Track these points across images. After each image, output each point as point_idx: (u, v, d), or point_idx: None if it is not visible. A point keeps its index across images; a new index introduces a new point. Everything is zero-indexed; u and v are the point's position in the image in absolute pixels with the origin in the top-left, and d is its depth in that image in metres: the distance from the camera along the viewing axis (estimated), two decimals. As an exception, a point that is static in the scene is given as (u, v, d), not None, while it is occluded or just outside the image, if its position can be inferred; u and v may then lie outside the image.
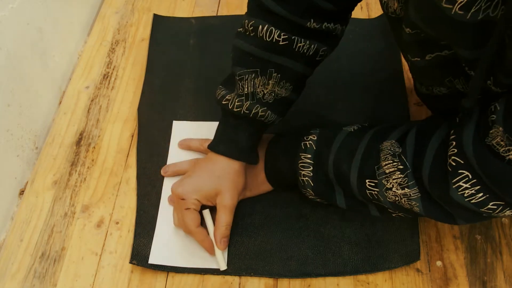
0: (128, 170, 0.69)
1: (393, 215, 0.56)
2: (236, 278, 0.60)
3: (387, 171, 0.50)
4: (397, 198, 0.51)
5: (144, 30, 0.87)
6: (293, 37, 0.54)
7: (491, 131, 0.41)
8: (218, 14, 0.89)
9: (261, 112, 0.57)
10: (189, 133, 0.71)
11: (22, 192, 0.70)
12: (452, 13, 0.38)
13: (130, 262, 0.60)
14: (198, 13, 0.89)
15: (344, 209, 0.58)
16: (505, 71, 0.40)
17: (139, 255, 0.61)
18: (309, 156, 0.57)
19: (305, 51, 0.55)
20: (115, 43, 0.85)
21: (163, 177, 0.68)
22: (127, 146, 0.72)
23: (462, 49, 0.41)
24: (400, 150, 0.50)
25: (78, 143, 0.73)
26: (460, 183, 0.44)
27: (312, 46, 0.55)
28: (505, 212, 0.45)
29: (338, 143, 0.56)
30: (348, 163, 0.54)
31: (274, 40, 0.54)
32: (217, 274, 0.59)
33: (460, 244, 0.61)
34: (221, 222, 0.58)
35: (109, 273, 0.61)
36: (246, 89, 0.57)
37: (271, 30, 0.53)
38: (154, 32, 0.85)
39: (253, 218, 0.64)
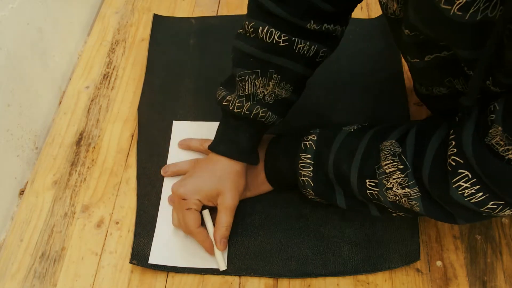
0: (128, 170, 0.69)
1: (394, 214, 0.56)
2: (236, 278, 0.60)
3: (387, 171, 0.50)
4: (397, 198, 0.51)
5: (144, 30, 0.87)
6: (293, 39, 0.54)
7: (490, 131, 0.41)
8: (218, 14, 0.89)
9: (262, 113, 0.57)
10: (189, 133, 0.71)
11: (22, 192, 0.70)
12: (451, 14, 0.38)
13: (130, 262, 0.60)
14: (198, 13, 0.89)
15: (344, 209, 0.58)
16: (504, 71, 0.40)
17: (139, 255, 0.61)
18: (309, 156, 0.57)
19: (305, 52, 0.55)
20: (115, 43, 0.85)
21: (163, 177, 0.68)
22: (127, 146, 0.72)
23: (461, 50, 0.42)
24: (400, 150, 0.50)
25: (78, 143, 0.73)
26: (460, 183, 0.44)
27: (312, 47, 0.55)
28: (505, 211, 0.45)
29: (338, 143, 0.56)
30: (348, 163, 0.54)
31: (274, 42, 0.54)
32: (217, 274, 0.60)
33: (460, 244, 0.62)
34: (222, 222, 0.58)
35: (109, 273, 0.61)
36: (246, 90, 0.57)
37: (271, 32, 0.54)
38: (154, 32, 0.85)
39: (253, 218, 0.64)
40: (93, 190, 0.68)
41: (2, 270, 0.61)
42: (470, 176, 0.44)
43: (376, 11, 0.87)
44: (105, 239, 0.63)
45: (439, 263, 0.60)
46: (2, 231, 0.66)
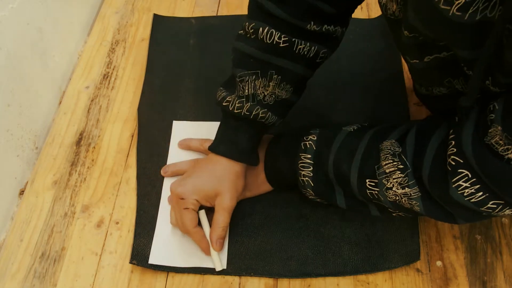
0: (128, 170, 0.69)
1: (394, 214, 0.56)
2: (236, 278, 0.60)
3: (387, 170, 0.50)
4: (397, 198, 0.51)
5: (144, 30, 0.87)
6: (293, 39, 0.54)
7: (490, 130, 0.41)
8: (218, 14, 0.89)
9: (262, 113, 0.57)
10: (189, 133, 0.71)
11: (22, 192, 0.70)
12: (450, 14, 0.38)
13: (130, 262, 0.60)
14: (198, 13, 0.89)
15: (344, 209, 0.58)
16: (503, 71, 0.40)
17: (139, 255, 0.61)
18: (309, 156, 0.57)
19: (305, 53, 0.55)
20: (115, 43, 0.85)
21: (163, 177, 0.68)
22: (127, 146, 0.72)
23: (461, 50, 0.42)
24: (400, 149, 0.50)
25: (78, 143, 0.73)
26: (460, 182, 0.44)
27: (313, 48, 0.55)
28: (504, 211, 0.45)
29: (338, 143, 0.56)
30: (348, 163, 0.54)
31: (274, 42, 0.54)
32: (217, 274, 0.59)
33: (460, 244, 0.62)
34: (218, 223, 0.58)
35: (109, 273, 0.61)
36: (246, 91, 0.57)
37: (272, 32, 0.54)
38: (154, 32, 0.85)
39: (253, 218, 0.64)
40: (93, 190, 0.68)
41: (2, 270, 0.61)
42: (469, 175, 0.44)
43: (376, 11, 0.87)
44: (105, 239, 0.63)
45: (439, 263, 0.60)
46: (2, 231, 0.66)
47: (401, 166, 0.49)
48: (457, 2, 0.37)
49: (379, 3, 0.53)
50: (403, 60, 0.78)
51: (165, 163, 0.69)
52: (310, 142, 0.58)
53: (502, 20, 0.36)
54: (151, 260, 0.60)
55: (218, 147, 0.60)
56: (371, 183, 0.52)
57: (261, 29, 0.54)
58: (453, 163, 0.44)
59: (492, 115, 0.41)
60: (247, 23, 0.56)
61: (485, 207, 0.45)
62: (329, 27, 0.55)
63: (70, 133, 0.74)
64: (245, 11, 0.57)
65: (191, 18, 0.88)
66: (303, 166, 0.58)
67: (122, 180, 0.69)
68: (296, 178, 0.59)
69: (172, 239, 0.62)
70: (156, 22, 0.87)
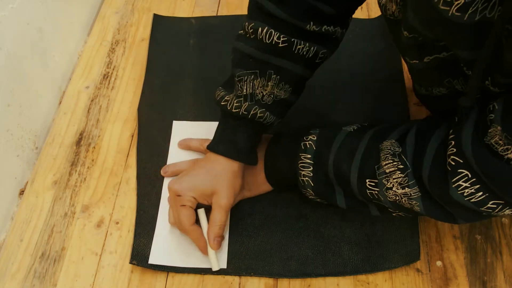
0: (128, 170, 0.69)
1: (394, 214, 0.56)
2: (236, 278, 0.60)
3: (387, 170, 0.50)
4: (397, 198, 0.51)
5: (144, 30, 0.87)
6: (292, 40, 0.54)
7: (489, 130, 0.41)
8: (218, 14, 0.89)
9: (260, 113, 0.57)
10: (189, 133, 0.71)
11: (22, 192, 0.70)
12: (449, 15, 0.38)
13: (130, 262, 0.60)
14: (198, 13, 0.89)
15: (344, 209, 0.58)
16: (503, 71, 0.40)
17: (139, 255, 0.61)
18: (309, 156, 0.57)
19: (304, 53, 0.55)
20: (115, 43, 0.85)
21: (163, 177, 0.68)
22: (127, 146, 0.72)
23: (460, 50, 0.42)
24: (400, 149, 0.50)
25: (78, 143, 0.73)
26: (460, 182, 0.44)
27: (312, 48, 0.55)
28: (504, 211, 0.45)
29: (338, 143, 0.56)
30: (348, 163, 0.54)
31: (273, 42, 0.54)
32: (217, 274, 0.59)
33: (460, 244, 0.61)
34: (215, 221, 0.58)
35: (109, 273, 0.61)
36: (245, 90, 0.57)
37: (271, 33, 0.54)
38: (154, 32, 0.85)
39: (253, 218, 0.64)
40: (93, 190, 0.68)
41: (2, 270, 0.61)
42: (469, 175, 0.44)
43: (376, 11, 0.87)
44: (105, 239, 0.63)
45: (439, 263, 0.60)
46: (2, 231, 0.66)
47: (401, 166, 0.49)
48: (456, 3, 0.37)
49: (379, 3, 0.53)
50: (403, 60, 0.78)
51: (165, 163, 0.69)
52: (310, 142, 0.58)
53: (501, 21, 0.36)
54: (151, 260, 0.60)
55: (216, 146, 0.60)
56: (371, 183, 0.52)
57: (260, 29, 0.54)
58: (453, 163, 0.44)
59: (491, 115, 0.41)
60: (246, 23, 0.56)
61: (485, 207, 0.45)
62: (328, 27, 0.55)
63: (70, 133, 0.74)
64: (245, 11, 0.57)
65: (191, 18, 0.88)
66: (303, 166, 0.58)
67: (122, 180, 0.69)
68: (296, 178, 0.59)
69: (172, 239, 0.62)
70: (156, 22, 0.87)
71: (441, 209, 0.49)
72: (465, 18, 0.38)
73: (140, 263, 0.60)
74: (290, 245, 0.61)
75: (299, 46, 0.54)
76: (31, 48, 0.74)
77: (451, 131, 0.46)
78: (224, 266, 0.60)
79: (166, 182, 0.67)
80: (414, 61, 0.51)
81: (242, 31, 0.57)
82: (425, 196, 0.49)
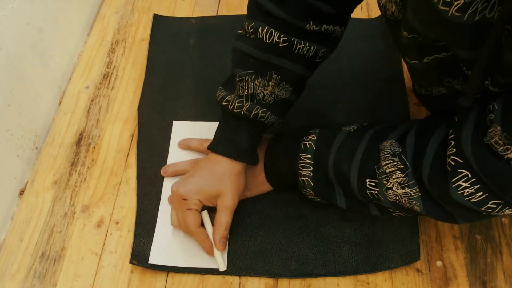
0: (128, 170, 0.69)
1: (394, 214, 0.56)
2: (236, 278, 0.60)
3: (387, 170, 0.50)
4: (397, 198, 0.51)
5: (144, 30, 0.87)
6: (292, 39, 0.54)
7: (489, 130, 0.41)
8: (218, 14, 0.89)
9: (261, 113, 0.57)
10: (189, 133, 0.71)
11: (22, 192, 0.70)
12: (449, 15, 0.38)
13: (130, 262, 0.60)
14: (198, 13, 0.89)
15: (344, 209, 0.58)
16: (503, 71, 0.40)
17: (139, 255, 0.61)
18: (309, 156, 0.57)
19: (304, 52, 0.56)
20: (115, 43, 0.85)
21: (163, 177, 0.68)
22: (127, 146, 0.72)
23: (460, 50, 0.42)
24: (400, 149, 0.50)
25: (78, 143, 0.73)
26: (460, 182, 0.44)
27: (312, 47, 0.56)
28: (504, 211, 0.45)
29: (338, 143, 0.56)
30: (348, 163, 0.54)
31: (274, 42, 0.54)
32: (217, 274, 0.60)
33: (460, 244, 0.61)
34: (221, 223, 0.58)
35: (109, 273, 0.61)
36: (246, 91, 0.57)
37: (271, 32, 0.54)
38: (154, 32, 0.85)
39: (253, 218, 0.64)
40: (93, 190, 0.68)
41: (2, 270, 0.61)
42: (469, 175, 0.44)
43: (376, 11, 0.87)
44: (105, 239, 0.63)
45: (439, 263, 0.60)
46: (2, 231, 0.66)
47: (401, 166, 0.49)
48: (456, 3, 0.37)
49: (379, 4, 0.53)
50: (403, 60, 0.78)
51: (165, 163, 0.69)
52: (310, 142, 0.58)
53: (501, 21, 0.36)
54: (151, 260, 0.60)
55: (217, 146, 0.60)
56: (371, 183, 0.52)
57: (260, 28, 0.54)
58: (453, 163, 0.44)
59: (491, 115, 0.41)
60: (246, 23, 0.56)
61: (485, 207, 0.45)
62: (328, 27, 0.55)
63: (70, 133, 0.74)
64: (245, 11, 0.57)
65: (191, 18, 0.88)
66: (303, 166, 0.58)
67: (122, 180, 0.69)
68: (296, 178, 0.59)
69: (172, 239, 0.62)
70: (156, 22, 0.87)
71: (441, 209, 0.49)
72: (464, 18, 0.38)
73: (140, 263, 0.60)
74: (290, 245, 0.61)
75: (299, 46, 0.55)
76: (31, 48, 0.74)
77: (451, 131, 0.46)
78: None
79: (166, 182, 0.67)
80: (414, 61, 0.51)
81: (242, 31, 0.57)
82: (425, 196, 0.49)
